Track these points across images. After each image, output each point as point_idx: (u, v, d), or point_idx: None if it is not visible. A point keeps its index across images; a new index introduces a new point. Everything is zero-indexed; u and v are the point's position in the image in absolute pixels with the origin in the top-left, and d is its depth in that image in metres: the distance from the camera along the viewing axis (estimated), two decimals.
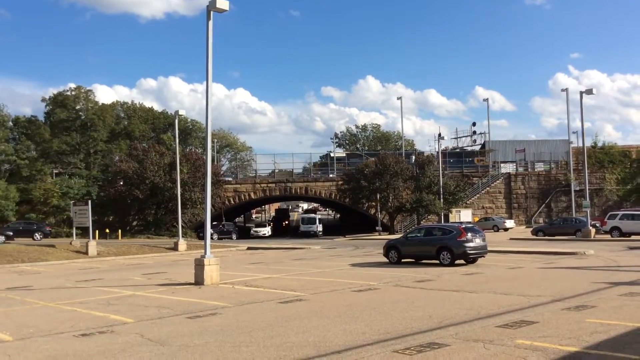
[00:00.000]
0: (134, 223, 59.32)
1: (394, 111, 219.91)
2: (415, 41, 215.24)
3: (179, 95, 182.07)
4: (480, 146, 77.53)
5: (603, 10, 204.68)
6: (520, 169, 70.52)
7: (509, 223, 59.61)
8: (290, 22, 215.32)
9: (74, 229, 39.06)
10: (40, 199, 60.44)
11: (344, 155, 72.98)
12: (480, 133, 78.62)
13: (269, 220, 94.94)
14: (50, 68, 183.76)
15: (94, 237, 38.19)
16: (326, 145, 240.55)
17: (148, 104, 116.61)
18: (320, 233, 64.57)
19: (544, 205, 67.45)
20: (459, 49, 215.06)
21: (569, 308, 12.13)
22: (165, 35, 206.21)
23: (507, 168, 70.30)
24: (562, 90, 57.25)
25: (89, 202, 37.47)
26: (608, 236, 39.89)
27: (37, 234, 48.56)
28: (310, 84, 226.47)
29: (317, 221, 67.57)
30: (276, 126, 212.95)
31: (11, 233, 46.07)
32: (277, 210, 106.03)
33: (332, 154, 75.05)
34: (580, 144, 51.98)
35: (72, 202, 43.55)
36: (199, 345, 9.64)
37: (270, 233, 66.87)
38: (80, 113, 73.92)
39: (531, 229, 50.36)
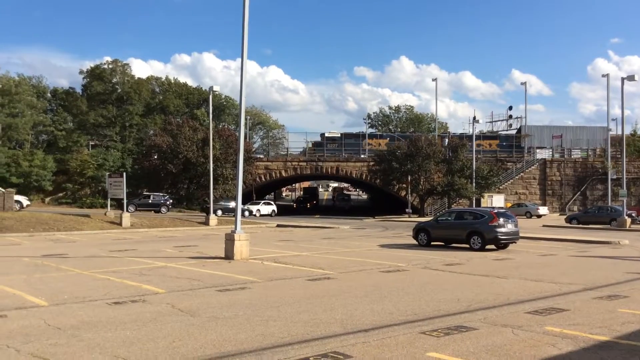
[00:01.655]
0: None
1: (427, 93, 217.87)
2: (451, 22, 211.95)
3: (212, 71, 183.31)
4: (515, 131, 76.23)
5: None
6: (556, 155, 69.18)
7: (542, 210, 58.75)
8: (324, 0, 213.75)
9: (109, 200, 39.88)
10: (76, 170, 61.68)
11: (339, 135, 71.37)
12: (517, 117, 77.27)
13: (270, 198, 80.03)
14: (87, 41, 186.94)
15: (127, 209, 38.88)
16: (358, 126, 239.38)
17: (182, 79, 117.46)
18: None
19: (579, 193, 66.21)
20: (495, 30, 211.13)
21: (600, 297, 11.95)
22: (200, 11, 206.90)
23: (543, 154, 69.04)
24: (603, 75, 55.62)
25: (124, 174, 38.14)
26: None
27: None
28: (343, 64, 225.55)
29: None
30: (308, 105, 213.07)
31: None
32: (305, 189, 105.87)
33: (363, 132, 74.50)
34: (619, 132, 50.84)
35: (107, 173, 44.37)
36: (228, 317, 9.79)
37: (270, 213, 57.72)
38: (117, 86, 74.82)
39: (565, 216, 49.56)
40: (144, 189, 59.12)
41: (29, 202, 46.66)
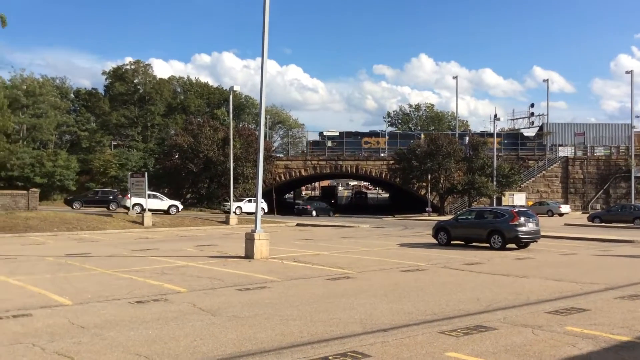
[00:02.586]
0: (188, 196, 60.64)
1: (448, 90, 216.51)
2: (471, 19, 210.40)
3: (232, 71, 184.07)
4: (538, 128, 75.47)
5: None
6: (579, 153, 68.35)
7: (565, 208, 58.12)
8: None
9: (131, 199, 40.31)
10: (99, 170, 62.45)
11: (337, 134, 71.14)
12: (539, 115, 76.60)
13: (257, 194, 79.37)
14: (108, 42, 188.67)
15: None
16: (377, 124, 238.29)
17: (203, 79, 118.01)
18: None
19: (602, 191, 65.38)
20: (516, 27, 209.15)
21: (622, 297, 11.84)
22: (220, 10, 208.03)
23: (565, 152, 68.25)
24: (627, 72, 55.22)
25: (145, 174, 38.54)
26: None
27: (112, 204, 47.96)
28: (363, 62, 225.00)
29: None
30: (327, 103, 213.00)
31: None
32: (323, 188, 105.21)
33: (383, 130, 74.35)
34: None
35: (129, 173, 44.82)
36: (248, 316, 9.89)
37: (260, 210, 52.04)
38: (139, 87, 75.54)
39: (587, 215, 48.98)
40: (165, 188, 59.68)
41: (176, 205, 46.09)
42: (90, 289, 12.89)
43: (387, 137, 70.42)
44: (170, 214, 41.85)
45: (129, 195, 43.06)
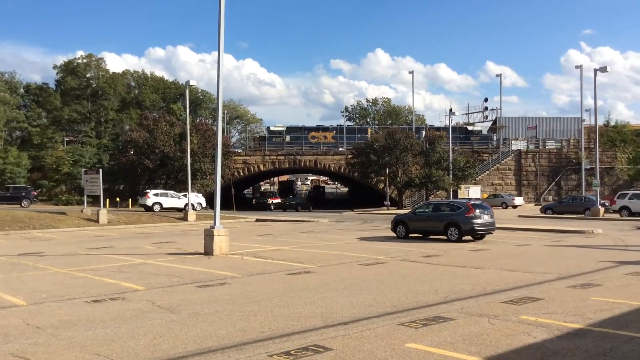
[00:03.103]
0: None
1: (404, 85, 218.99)
2: (425, 15, 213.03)
3: (188, 65, 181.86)
4: (491, 122, 77.02)
5: None
6: (531, 146, 70.08)
7: (518, 200, 59.58)
8: None
9: (85, 197, 39.51)
10: (51, 167, 60.88)
11: (284, 129, 71.78)
12: (492, 109, 78.01)
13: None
14: (59, 35, 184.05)
15: (104, 206, 38.52)
16: (335, 119, 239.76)
17: (157, 73, 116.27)
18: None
19: (553, 183, 67.22)
20: (469, 23, 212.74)
21: (574, 286, 12.22)
22: (174, 3, 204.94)
23: (518, 145, 69.88)
24: (576, 67, 56.74)
25: (100, 170, 37.75)
26: (617, 215, 39.83)
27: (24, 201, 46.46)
28: (320, 57, 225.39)
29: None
30: (285, 98, 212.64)
31: None
32: (281, 183, 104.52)
33: (333, 124, 74.66)
34: (592, 122, 51.63)
35: (83, 170, 43.86)
36: (208, 313, 9.83)
37: (180, 206, 46.04)
38: (92, 81, 73.85)
39: (540, 206, 50.30)
40: (120, 184, 58.59)
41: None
42: (44, 288, 12.59)
43: (334, 131, 70.78)
44: (191, 210, 40.70)
45: (149, 195, 44.02)
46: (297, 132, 70.17)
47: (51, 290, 12.38)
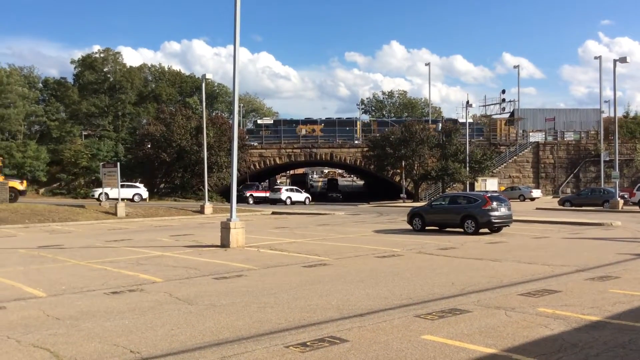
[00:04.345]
0: (162, 185, 60.20)
1: (419, 77, 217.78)
2: (441, 6, 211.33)
3: (203, 58, 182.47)
4: (509, 114, 76.40)
5: None
6: (549, 138, 69.41)
7: (536, 193, 59.10)
8: None
9: (103, 190, 39.85)
10: (70, 160, 61.53)
11: (272, 122, 71.84)
12: (510, 101, 77.19)
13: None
14: (75, 30, 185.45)
15: (122, 199, 38.86)
16: (351, 111, 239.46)
17: (173, 67, 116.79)
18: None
19: (572, 175, 66.55)
20: (485, 14, 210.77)
21: (592, 278, 12.12)
22: None
23: (536, 137, 69.23)
24: (595, 58, 55.74)
25: (118, 164, 38.08)
26: (636, 208, 39.38)
27: None
28: (334, 49, 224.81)
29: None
30: (300, 91, 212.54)
31: None
32: (292, 176, 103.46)
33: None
34: (612, 114, 51.03)
35: (101, 163, 44.27)
36: (225, 305, 9.90)
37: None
38: (109, 75, 74.39)
39: (558, 199, 49.86)
40: (137, 178, 59.04)
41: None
42: (64, 280, 12.75)
43: (323, 124, 70.53)
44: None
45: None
46: (285, 125, 70.35)
47: (70, 282, 12.54)
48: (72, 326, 8.56)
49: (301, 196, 58.03)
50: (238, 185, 36.37)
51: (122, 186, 45.41)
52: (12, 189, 38.13)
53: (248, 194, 56.57)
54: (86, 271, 14.22)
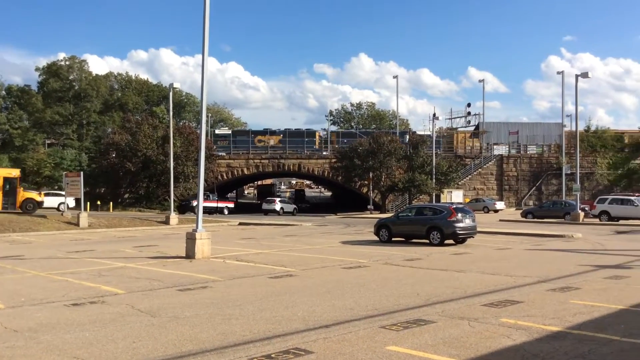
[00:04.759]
0: (126, 195, 59.26)
1: (387, 90, 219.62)
2: (409, 20, 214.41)
3: (170, 67, 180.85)
4: (474, 127, 77.61)
5: None
6: (513, 151, 70.66)
7: (499, 205, 60.06)
8: None
9: (66, 200, 39.07)
10: (33, 169, 60.22)
11: (229, 132, 72.01)
12: (475, 114, 78.57)
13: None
14: (40, 37, 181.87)
15: (85, 209, 38.11)
16: (319, 122, 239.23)
17: (140, 76, 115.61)
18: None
19: (534, 187, 67.82)
20: (452, 29, 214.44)
21: (554, 289, 12.34)
22: (156, 5, 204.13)
23: (500, 150, 70.41)
24: (558, 73, 57.43)
25: (81, 173, 37.38)
26: (597, 220, 40.26)
27: None
28: (303, 60, 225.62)
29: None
30: (269, 102, 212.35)
31: None
32: (259, 187, 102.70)
33: (326, 131, 74.72)
34: (573, 128, 52.26)
35: (64, 173, 43.41)
36: (189, 317, 9.78)
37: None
38: (74, 83, 73.29)
39: (521, 211, 50.71)
40: (102, 187, 58.06)
41: None
42: (23, 292, 12.43)
43: (280, 135, 70.43)
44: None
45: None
46: (243, 136, 70.22)
47: (30, 293, 12.24)
48: (31, 338, 8.34)
49: (290, 207, 61.80)
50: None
51: (48, 194, 46.08)
52: (30, 200, 38.46)
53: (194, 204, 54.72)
54: (47, 282, 13.89)
